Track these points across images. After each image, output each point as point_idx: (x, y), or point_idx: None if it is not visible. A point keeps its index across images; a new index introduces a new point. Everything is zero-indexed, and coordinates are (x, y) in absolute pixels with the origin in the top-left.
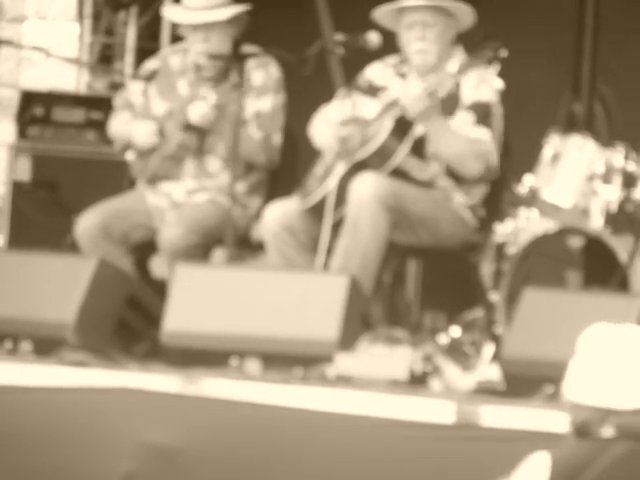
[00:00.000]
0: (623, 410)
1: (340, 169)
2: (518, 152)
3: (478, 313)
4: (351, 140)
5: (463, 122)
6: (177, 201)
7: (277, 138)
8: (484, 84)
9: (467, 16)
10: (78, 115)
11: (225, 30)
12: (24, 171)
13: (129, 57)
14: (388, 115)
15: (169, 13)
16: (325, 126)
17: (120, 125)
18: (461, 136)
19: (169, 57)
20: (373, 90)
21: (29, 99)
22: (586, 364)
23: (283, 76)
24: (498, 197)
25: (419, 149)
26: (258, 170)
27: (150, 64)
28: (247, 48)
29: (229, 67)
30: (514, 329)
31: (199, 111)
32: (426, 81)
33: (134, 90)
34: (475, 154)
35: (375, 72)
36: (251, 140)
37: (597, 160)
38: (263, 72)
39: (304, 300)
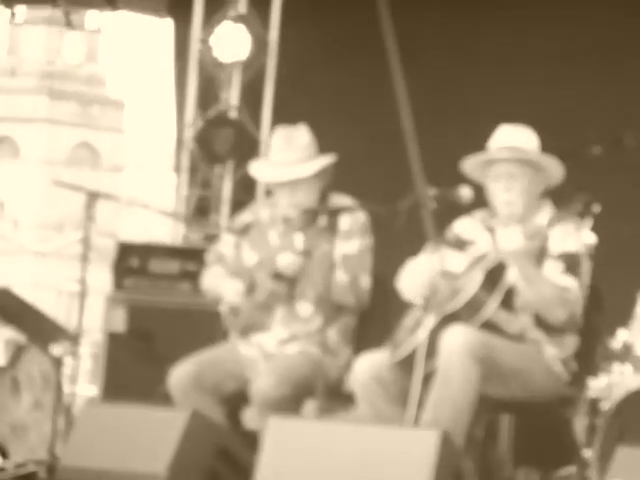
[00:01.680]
0: None
1: (430, 321)
2: (611, 306)
3: (572, 470)
4: (440, 293)
5: (551, 270)
6: (269, 352)
7: (365, 280)
8: (572, 236)
9: (556, 171)
10: (173, 266)
11: (311, 183)
12: (119, 322)
13: (224, 210)
14: (478, 268)
15: (256, 171)
16: (413, 279)
17: (212, 280)
18: (549, 282)
19: (260, 210)
20: (461, 244)
21: (126, 250)
22: None
23: (369, 220)
24: (591, 351)
25: (508, 301)
26: (348, 315)
27: (244, 217)
28: (338, 200)
29: (317, 217)
30: None
31: (286, 260)
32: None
33: (226, 243)
34: (562, 301)
35: (463, 226)
36: (339, 283)
37: None
38: (349, 217)
39: (395, 455)
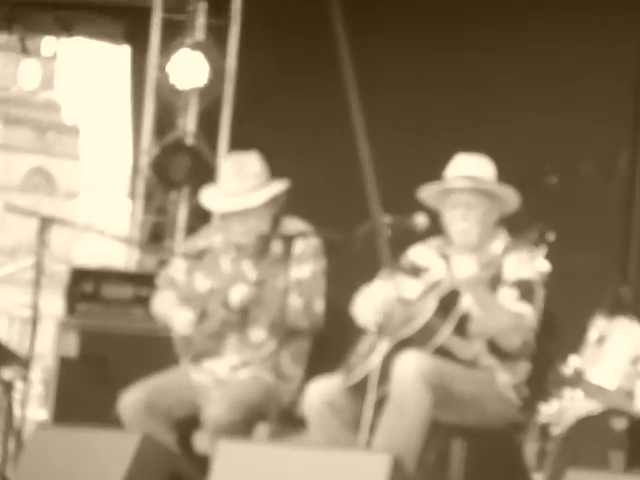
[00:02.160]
0: None
1: (384, 347)
2: (564, 333)
3: None
4: (394, 319)
5: (506, 297)
6: (221, 378)
7: (319, 304)
8: (527, 264)
9: (512, 200)
10: (126, 292)
11: (263, 211)
12: (71, 346)
13: (179, 236)
14: (432, 295)
15: (207, 200)
16: (368, 304)
17: (163, 305)
18: (504, 309)
19: (212, 236)
20: (416, 271)
21: (79, 276)
22: None
23: (322, 244)
24: (542, 377)
25: (462, 328)
26: (301, 338)
27: (197, 243)
28: (291, 225)
29: (270, 242)
30: None
31: (240, 294)
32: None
33: (178, 268)
34: (516, 328)
35: (418, 253)
36: (293, 307)
37: None
38: (302, 241)
39: (346, 479)
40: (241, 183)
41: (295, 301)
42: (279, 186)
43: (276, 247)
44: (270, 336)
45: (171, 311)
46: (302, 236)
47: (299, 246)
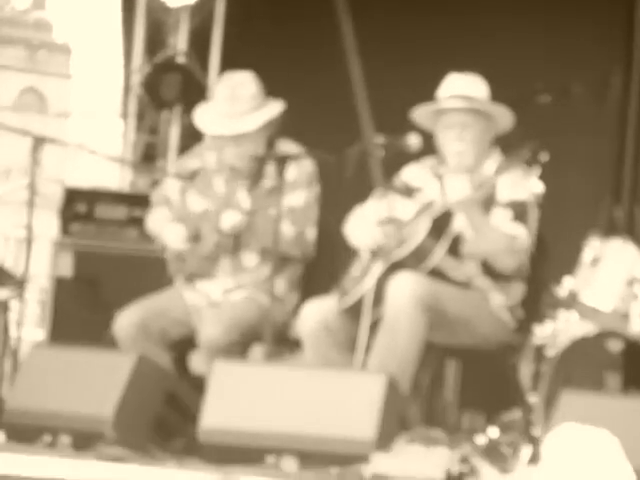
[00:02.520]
0: None
1: (377, 269)
2: (558, 255)
3: (516, 414)
4: (387, 240)
5: (500, 218)
6: (215, 300)
7: (311, 232)
8: (520, 184)
9: (506, 119)
10: (120, 212)
11: (258, 134)
12: (66, 267)
13: (172, 155)
14: (425, 215)
15: (200, 122)
16: (361, 226)
17: (155, 222)
18: (498, 230)
19: (205, 154)
20: (409, 191)
21: (72, 196)
22: (549, 466)
23: (317, 169)
24: (537, 299)
25: (455, 249)
26: (294, 265)
27: (190, 163)
28: (285, 147)
29: (264, 164)
30: (552, 431)
31: (231, 220)
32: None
33: (172, 187)
34: (511, 249)
35: (411, 173)
36: (285, 235)
37: (637, 264)
38: (295, 167)
39: (341, 399)
40: (236, 105)
41: (287, 229)
42: (274, 109)
43: (270, 170)
44: (262, 261)
45: (164, 227)
46: (296, 159)
47: (292, 172)
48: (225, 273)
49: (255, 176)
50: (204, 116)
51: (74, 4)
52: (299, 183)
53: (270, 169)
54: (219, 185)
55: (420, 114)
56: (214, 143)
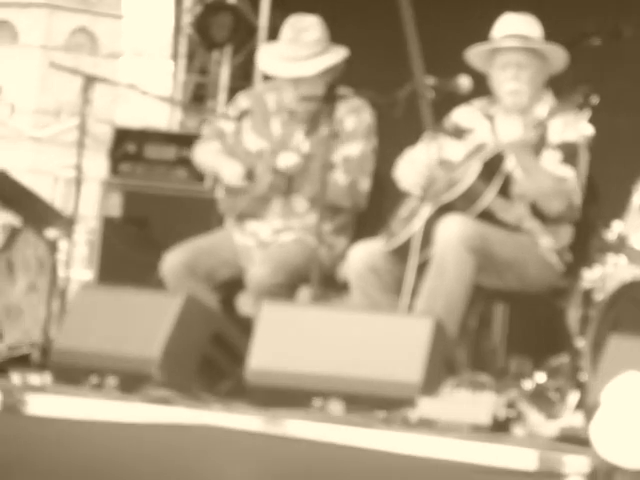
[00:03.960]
0: (629, 469)
1: (426, 211)
2: (607, 198)
3: (564, 359)
4: (437, 182)
5: (550, 160)
6: (264, 240)
7: (365, 183)
8: (571, 127)
9: (560, 59)
10: (169, 153)
11: (317, 79)
12: (115, 207)
13: (222, 96)
14: (476, 157)
15: (262, 62)
16: (410, 168)
17: (208, 155)
18: (547, 172)
19: (265, 94)
20: (459, 133)
21: (122, 136)
22: (608, 414)
23: (375, 121)
24: (586, 242)
25: (505, 190)
26: (344, 212)
27: (241, 102)
28: (340, 90)
29: (322, 109)
30: (600, 376)
31: (289, 161)
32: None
33: (227, 124)
34: (559, 192)
35: (462, 115)
36: (338, 185)
37: None
38: (355, 117)
39: (388, 342)
40: (298, 49)
41: (340, 178)
42: (336, 56)
43: (328, 121)
44: (312, 207)
45: (220, 161)
46: (357, 110)
47: (351, 122)
48: (275, 215)
49: (312, 121)
50: (267, 56)
51: None
52: (357, 133)
53: (328, 115)
54: (276, 126)
55: (475, 54)
56: (274, 84)
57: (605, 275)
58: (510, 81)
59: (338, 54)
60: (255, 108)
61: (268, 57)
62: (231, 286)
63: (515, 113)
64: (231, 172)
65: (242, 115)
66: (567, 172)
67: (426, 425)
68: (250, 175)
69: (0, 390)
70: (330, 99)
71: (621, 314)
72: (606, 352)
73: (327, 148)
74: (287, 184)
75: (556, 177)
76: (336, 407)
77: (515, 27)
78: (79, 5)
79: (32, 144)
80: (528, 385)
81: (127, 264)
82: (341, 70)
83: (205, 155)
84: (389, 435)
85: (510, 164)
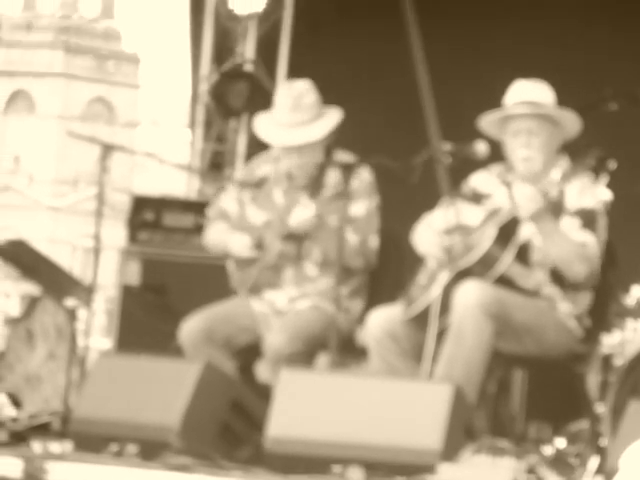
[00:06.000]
0: None
1: (444, 277)
2: (626, 263)
3: (584, 425)
4: (455, 248)
5: (569, 226)
6: (280, 309)
7: (373, 241)
8: (588, 192)
9: (573, 124)
10: (188, 220)
11: (319, 143)
12: (134, 275)
13: (239, 163)
14: (492, 223)
15: (262, 133)
16: (428, 234)
17: (216, 235)
18: (568, 238)
19: (261, 166)
20: (477, 198)
21: (140, 204)
22: (625, 479)
23: (375, 179)
24: (604, 307)
25: (523, 257)
26: (357, 274)
27: (257, 171)
28: (343, 157)
29: (322, 173)
30: (619, 441)
31: (301, 217)
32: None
33: (229, 199)
34: (582, 257)
35: (480, 180)
36: (349, 245)
37: None
38: (355, 177)
39: (408, 409)
40: (299, 115)
41: (351, 239)
42: (335, 116)
43: (330, 178)
44: (324, 271)
45: (227, 236)
46: (354, 170)
47: (352, 182)
48: (289, 283)
49: (313, 186)
50: (266, 127)
51: (143, 13)
52: (360, 193)
53: (329, 178)
54: (278, 196)
55: (487, 121)
56: (270, 155)
57: (624, 340)
58: (522, 148)
59: (336, 114)
60: (265, 178)
61: (267, 127)
62: (249, 353)
63: (531, 179)
64: (239, 244)
65: (259, 183)
66: (587, 238)
67: None
68: (259, 245)
69: (21, 458)
70: (342, 167)
71: None
72: (626, 417)
73: (339, 210)
74: (297, 251)
75: (577, 242)
76: (356, 474)
77: (526, 94)
78: (96, 75)
79: (50, 214)
80: (548, 450)
81: (146, 332)
82: (338, 131)
83: (213, 235)
84: None
85: (527, 230)
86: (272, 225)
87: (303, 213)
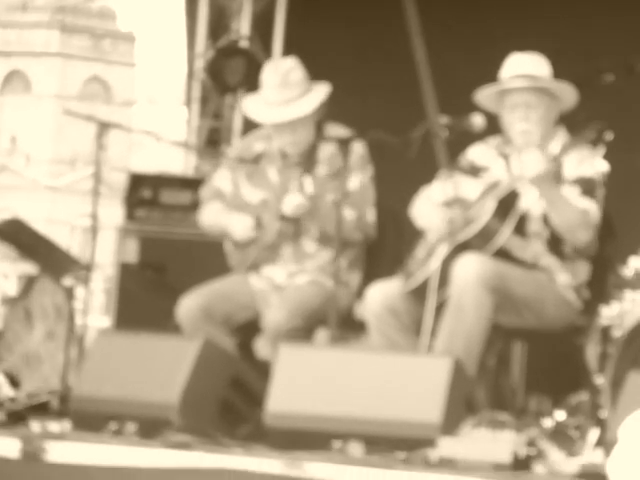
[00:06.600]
0: None
1: (443, 250)
2: (623, 234)
3: (583, 397)
4: (454, 221)
5: (569, 194)
6: (279, 284)
7: (370, 214)
8: (587, 163)
9: (570, 97)
10: (185, 197)
11: (310, 118)
12: (131, 253)
13: (235, 140)
14: (491, 195)
15: (250, 111)
16: (428, 207)
17: (213, 215)
18: (572, 205)
19: (252, 145)
20: (475, 170)
21: (137, 182)
22: (624, 450)
23: (367, 151)
24: (603, 279)
25: (521, 228)
26: (354, 246)
27: (255, 147)
28: (336, 130)
29: (315, 149)
30: (619, 413)
31: (295, 202)
32: None
33: (223, 177)
34: (584, 223)
35: (477, 153)
36: (346, 220)
37: None
38: (349, 152)
39: (407, 382)
40: (287, 92)
41: (347, 213)
42: (324, 91)
43: (323, 153)
44: (322, 247)
45: (227, 218)
46: (347, 143)
47: (348, 158)
48: (288, 259)
49: (307, 162)
50: (255, 106)
51: None
52: (352, 167)
53: (322, 153)
54: (273, 174)
55: (484, 96)
56: (261, 133)
57: (623, 311)
58: (520, 122)
59: (324, 89)
60: (262, 154)
61: (257, 106)
62: (248, 329)
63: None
64: (241, 225)
65: (257, 159)
66: (588, 204)
67: (447, 465)
68: (258, 225)
69: (20, 438)
70: (327, 139)
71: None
72: (625, 389)
73: (335, 186)
74: (295, 228)
75: (579, 208)
76: (356, 449)
77: (522, 67)
78: (92, 54)
79: (48, 194)
80: (548, 423)
81: (144, 310)
82: (327, 105)
83: (210, 216)
84: (410, 476)
85: (525, 202)
86: (269, 205)
87: (295, 199)
